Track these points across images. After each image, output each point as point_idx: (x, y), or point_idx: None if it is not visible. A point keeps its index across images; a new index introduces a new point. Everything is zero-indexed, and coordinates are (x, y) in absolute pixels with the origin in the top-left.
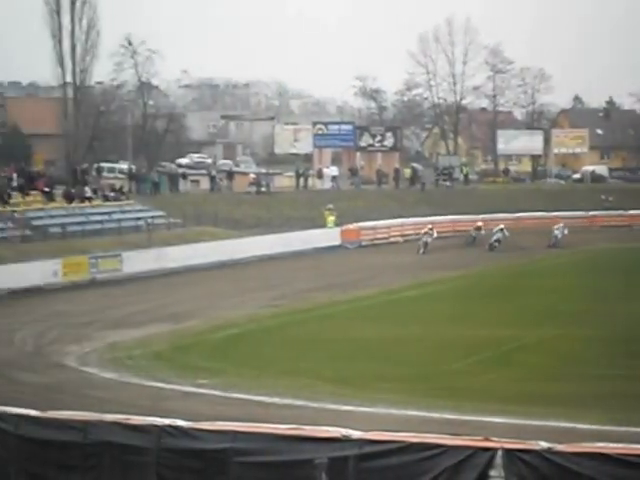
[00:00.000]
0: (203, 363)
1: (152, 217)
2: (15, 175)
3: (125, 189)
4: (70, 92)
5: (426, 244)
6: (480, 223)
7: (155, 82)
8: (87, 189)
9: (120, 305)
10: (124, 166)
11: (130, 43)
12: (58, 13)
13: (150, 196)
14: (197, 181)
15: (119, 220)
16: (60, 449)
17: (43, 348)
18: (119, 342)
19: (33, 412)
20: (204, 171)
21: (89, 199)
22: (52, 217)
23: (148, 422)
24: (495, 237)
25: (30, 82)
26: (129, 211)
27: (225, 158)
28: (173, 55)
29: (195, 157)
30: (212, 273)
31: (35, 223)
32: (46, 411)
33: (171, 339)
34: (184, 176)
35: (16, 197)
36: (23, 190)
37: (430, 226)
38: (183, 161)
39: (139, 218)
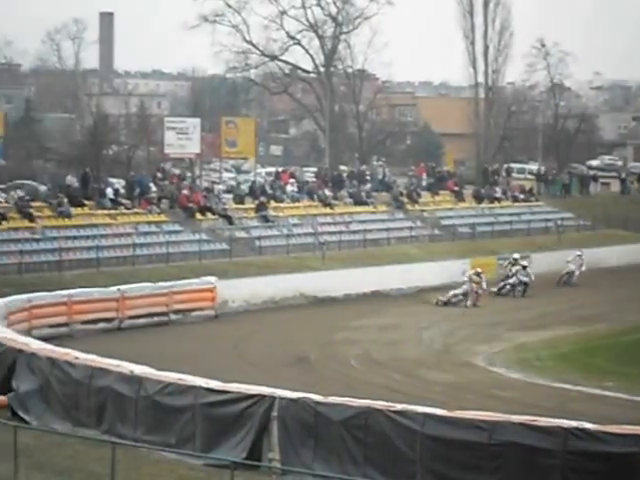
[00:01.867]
0: (610, 366)
1: (561, 219)
2: (425, 174)
3: (534, 190)
4: (481, 92)
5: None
6: (517, 255)
7: (567, 83)
8: (497, 190)
9: (529, 307)
10: (534, 167)
11: (543, 44)
12: (471, 14)
13: (559, 198)
14: (607, 183)
15: (528, 221)
16: (465, 449)
17: (451, 347)
18: (527, 343)
19: (440, 411)
20: (614, 173)
21: (498, 200)
22: (461, 217)
23: (555, 424)
24: (511, 280)
25: (441, 82)
26: (538, 212)
27: (635, 160)
28: (585, 57)
29: (606, 159)
30: (621, 275)
31: (444, 223)
32: (453, 410)
33: (577, 341)
34: (594, 178)
35: (426, 196)
36: (432, 189)
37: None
38: (594, 163)
39: (548, 220)
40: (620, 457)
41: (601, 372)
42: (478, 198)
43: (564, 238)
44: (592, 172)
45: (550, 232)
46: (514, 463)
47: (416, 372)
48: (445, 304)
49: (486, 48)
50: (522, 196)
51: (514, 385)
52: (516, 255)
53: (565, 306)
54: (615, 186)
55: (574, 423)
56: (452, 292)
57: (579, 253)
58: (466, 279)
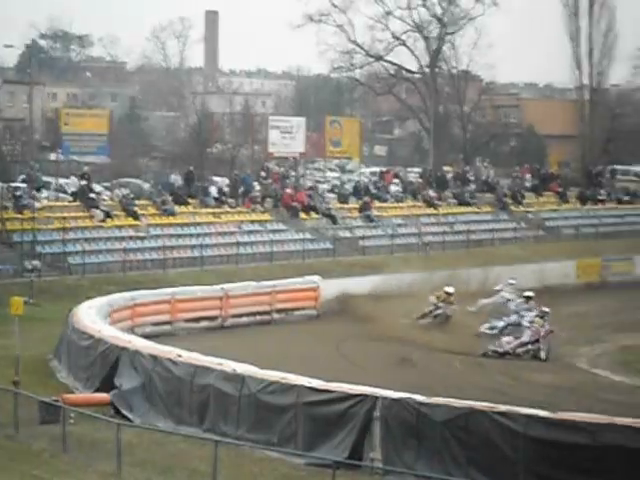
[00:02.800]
0: None
1: None
2: (529, 176)
3: (639, 192)
4: (586, 94)
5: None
6: (451, 290)
7: None
8: (602, 191)
9: (631, 309)
10: (638, 169)
11: None
12: (576, 15)
13: None
14: None
15: (632, 223)
16: (569, 451)
17: (554, 349)
18: (630, 346)
19: (542, 413)
20: None
21: (602, 201)
22: (565, 218)
23: None
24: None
25: (546, 84)
26: None
27: None
28: None
29: None
30: None
31: (548, 224)
32: (556, 412)
33: None
34: None
35: (530, 198)
36: (537, 191)
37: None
38: None
39: None
40: None
41: None
42: (582, 200)
43: None
44: None
45: None
46: (619, 466)
47: (519, 374)
48: (502, 355)
49: (590, 50)
50: (627, 198)
51: (617, 387)
52: (450, 289)
53: None
54: None
55: None
56: (509, 339)
57: (512, 281)
58: (527, 324)
